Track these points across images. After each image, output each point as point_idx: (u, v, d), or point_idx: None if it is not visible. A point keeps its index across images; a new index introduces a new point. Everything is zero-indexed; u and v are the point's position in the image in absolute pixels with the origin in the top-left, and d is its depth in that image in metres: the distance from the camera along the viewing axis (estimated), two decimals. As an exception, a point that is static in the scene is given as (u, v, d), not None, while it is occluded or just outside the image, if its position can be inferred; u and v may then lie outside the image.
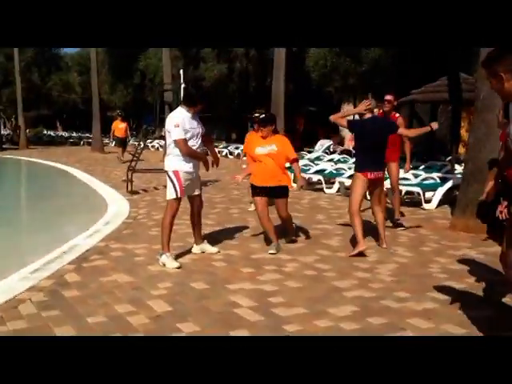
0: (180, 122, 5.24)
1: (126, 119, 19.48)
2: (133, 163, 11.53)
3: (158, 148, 27.40)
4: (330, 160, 15.67)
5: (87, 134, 36.88)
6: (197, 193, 5.72)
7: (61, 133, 48.58)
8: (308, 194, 11.18)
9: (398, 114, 7.60)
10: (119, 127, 18.89)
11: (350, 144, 25.59)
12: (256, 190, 6.05)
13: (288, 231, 6.51)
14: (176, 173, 5.39)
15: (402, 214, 7.65)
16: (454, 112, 14.16)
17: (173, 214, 5.46)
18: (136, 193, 10.91)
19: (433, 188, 9.81)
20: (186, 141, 5.29)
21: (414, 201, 9.95)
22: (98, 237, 6.72)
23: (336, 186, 11.26)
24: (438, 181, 10.45)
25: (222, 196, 10.44)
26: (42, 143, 35.65)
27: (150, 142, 29.36)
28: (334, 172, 12.26)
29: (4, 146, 30.64)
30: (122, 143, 19.00)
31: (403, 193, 9.92)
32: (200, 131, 5.51)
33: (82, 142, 36.37)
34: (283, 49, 15.55)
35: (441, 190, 9.56)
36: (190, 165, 5.44)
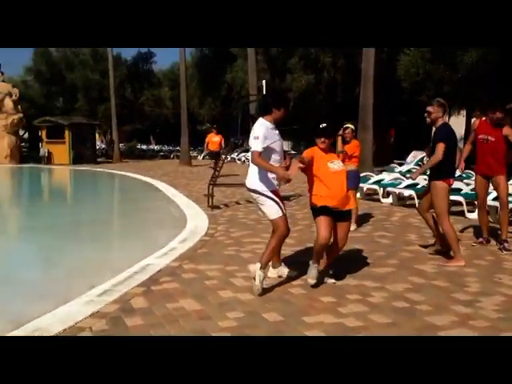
0: (260, 134, 4.82)
1: (221, 132, 18.96)
2: (214, 177, 11.31)
3: (244, 161, 27.36)
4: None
5: (177, 148, 37.74)
6: None
7: (153, 146, 50.22)
8: (399, 210, 10.39)
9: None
10: (213, 140, 18.57)
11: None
12: (324, 210, 5.00)
13: (330, 261, 5.39)
14: (274, 192, 4.95)
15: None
16: None
17: (284, 233, 4.98)
18: (217, 207, 10.64)
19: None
20: (260, 154, 4.83)
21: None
22: (173, 255, 6.43)
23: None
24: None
25: (305, 212, 9.89)
26: (134, 157, 36.88)
27: (237, 155, 29.47)
28: (472, 192, 11.00)
29: (98, 160, 31.96)
30: (215, 156, 17.96)
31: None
32: (282, 144, 5.07)
33: (172, 156, 37.26)
34: (372, 57, 14.83)
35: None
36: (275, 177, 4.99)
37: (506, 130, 6.67)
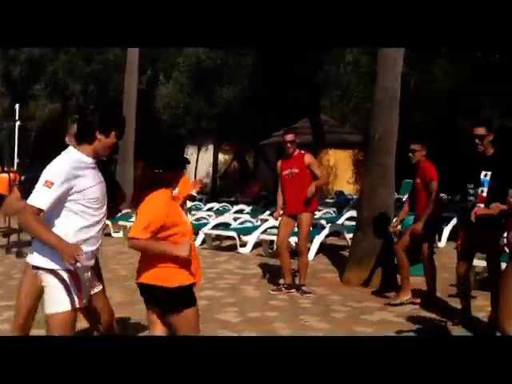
0: (56, 179, 2.81)
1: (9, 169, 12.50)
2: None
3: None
4: (209, 209, 13.70)
5: None
6: (97, 288, 3.27)
7: None
8: (215, 254, 8.97)
9: (303, 151, 6.22)
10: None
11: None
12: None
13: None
14: (72, 272, 2.91)
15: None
16: (315, 155, 14.08)
17: None
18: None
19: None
20: (38, 213, 2.80)
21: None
22: None
23: (251, 244, 9.14)
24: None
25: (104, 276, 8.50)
26: None
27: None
28: (242, 226, 10.29)
29: None
30: None
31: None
32: (104, 192, 3.10)
33: None
34: (134, 86, 14.22)
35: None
36: (91, 246, 3.04)
37: (307, 159, 6.10)
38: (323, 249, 8.75)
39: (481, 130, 4.64)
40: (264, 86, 15.39)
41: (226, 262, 8.29)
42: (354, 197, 15.27)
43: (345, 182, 19.10)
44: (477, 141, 4.64)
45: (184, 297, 2.97)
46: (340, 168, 18.94)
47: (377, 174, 6.62)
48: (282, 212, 6.27)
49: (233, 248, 9.25)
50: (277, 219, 6.49)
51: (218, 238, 9.93)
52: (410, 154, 5.58)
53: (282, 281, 6.41)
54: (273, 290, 6.26)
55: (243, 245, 9.19)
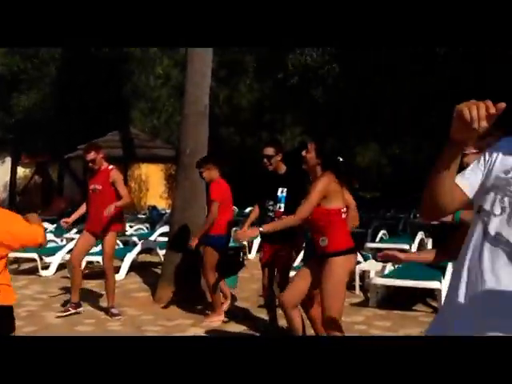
0: None
1: None
2: None
3: None
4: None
5: None
6: None
7: None
8: (13, 279, 7.76)
9: (111, 166, 5.90)
10: None
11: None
12: None
13: None
14: None
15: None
16: (126, 169, 13.71)
17: None
18: None
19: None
20: None
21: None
22: None
23: (54, 266, 8.42)
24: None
25: None
26: None
27: None
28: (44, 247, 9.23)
29: None
30: None
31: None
32: None
33: None
34: None
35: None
36: None
37: (113, 175, 5.76)
38: (135, 267, 8.46)
39: (269, 151, 4.91)
40: (68, 95, 14.54)
41: (25, 286, 7.50)
42: (168, 211, 15.13)
43: (158, 197, 18.88)
44: (265, 160, 4.90)
45: (11, 317, 2.78)
46: (152, 182, 18.68)
47: (188, 189, 6.58)
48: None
49: (33, 271, 8.44)
50: (64, 227, 6.28)
51: (17, 260, 8.98)
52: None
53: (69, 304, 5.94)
54: (58, 316, 5.79)
55: (45, 267, 8.45)
